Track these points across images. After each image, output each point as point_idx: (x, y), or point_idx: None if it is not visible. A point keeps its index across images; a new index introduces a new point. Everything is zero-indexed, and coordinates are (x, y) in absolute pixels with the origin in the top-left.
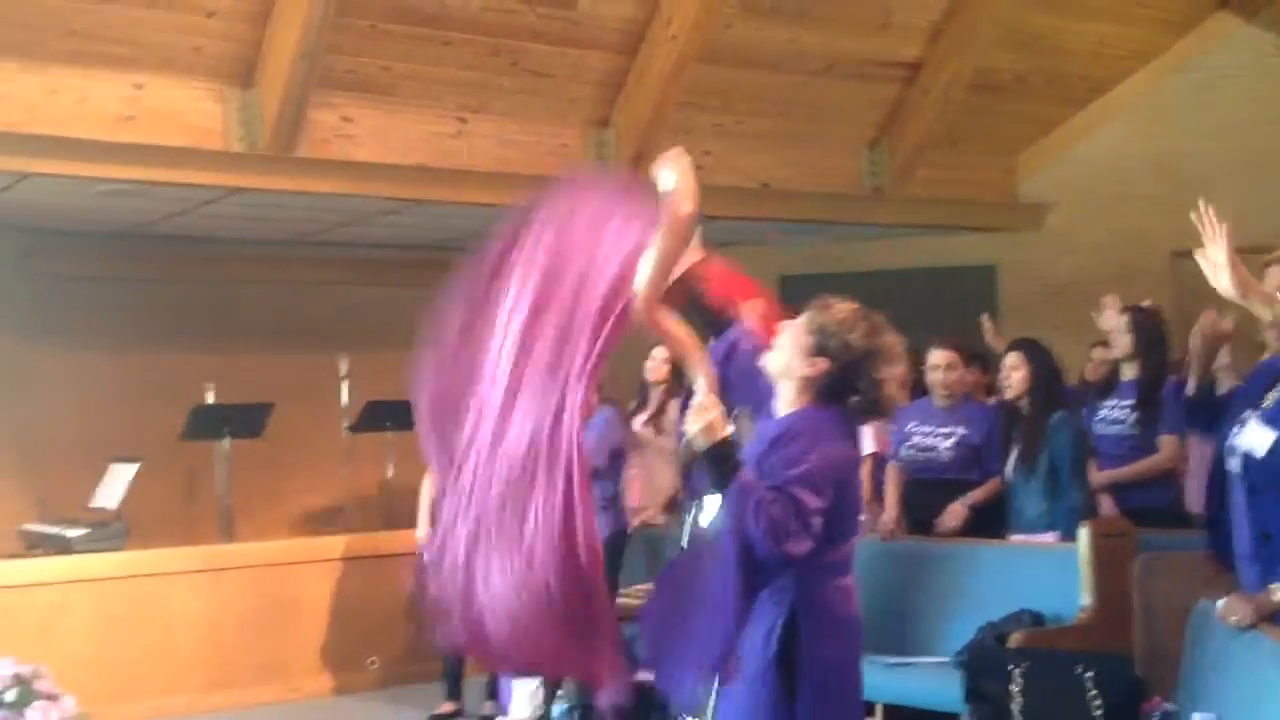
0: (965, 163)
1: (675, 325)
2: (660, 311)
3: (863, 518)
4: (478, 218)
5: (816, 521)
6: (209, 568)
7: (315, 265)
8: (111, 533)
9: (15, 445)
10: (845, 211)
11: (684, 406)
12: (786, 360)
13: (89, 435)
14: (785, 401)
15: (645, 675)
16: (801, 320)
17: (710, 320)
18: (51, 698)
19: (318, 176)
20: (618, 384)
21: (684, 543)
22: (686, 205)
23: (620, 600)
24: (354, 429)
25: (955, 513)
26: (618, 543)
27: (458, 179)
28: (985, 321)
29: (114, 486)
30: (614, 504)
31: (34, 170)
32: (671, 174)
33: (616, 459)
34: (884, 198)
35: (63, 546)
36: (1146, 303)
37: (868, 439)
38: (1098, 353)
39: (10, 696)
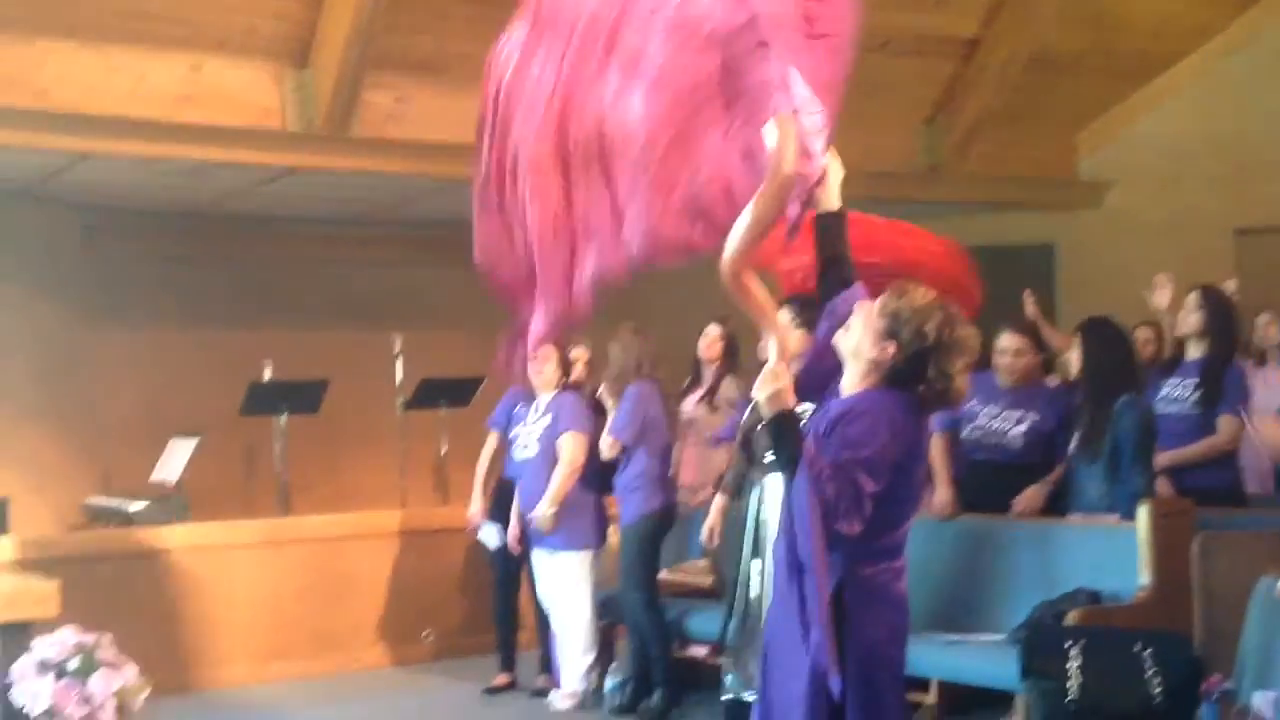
0: (1023, 140)
1: (758, 289)
2: (746, 273)
3: None
4: None
5: (870, 505)
6: (267, 541)
7: (371, 244)
8: (172, 506)
9: (79, 422)
10: (901, 189)
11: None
12: (857, 341)
13: (150, 412)
14: (851, 382)
15: (696, 651)
16: (877, 303)
17: (833, 272)
18: (114, 666)
19: (372, 156)
20: (670, 362)
21: (748, 522)
22: (787, 166)
23: (665, 576)
24: (408, 406)
25: (1033, 496)
26: (662, 521)
27: None
28: (1027, 298)
29: (174, 461)
30: (654, 482)
31: (93, 150)
32: (776, 134)
33: (649, 434)
34: (941, 175)
35: (124, 520)
36: (1232, 284)
37: None
38: (1142, 333)
39: (74, 665)
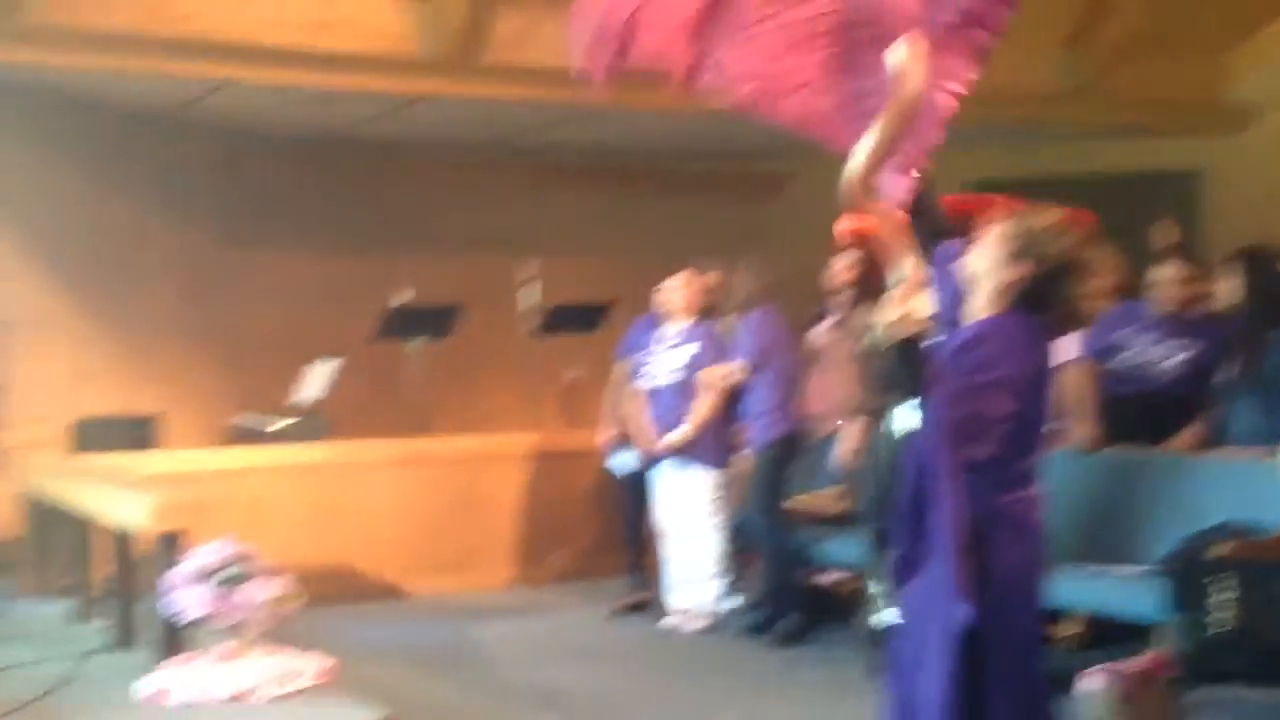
0: (1170, 62)
1: (884, 209)
2: (872, 192)
3: (1057, 426)
4: (666, 123)
5: (998, 429)
6: (403, 460)
7: (501, 170)
8: (313, 425)
9: (224, 344)
10: (1042, 112)
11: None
12: (987, 263)
13: (290, 334)
14: (979, 306)
15: (826, 578)
16: (1007, 224)
17: (930, 225)
18: (268, 575)
19: (502, 83)
20: (799, 292)
21: (882, 451)
22: (912, 85)
23: (796, 503)
24: (539, 331)
25: (1191, 439)
26: (787, 447)
27: (645, 83)
28: (1160, 230)
29: (315, 382)
30: (779, 408)
31: (230, 77)
32: (902, 53)
33: (774, 360)
34: (1083, 98)
35: (268, 438)
36: None
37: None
38: None
39: (229, 573)
